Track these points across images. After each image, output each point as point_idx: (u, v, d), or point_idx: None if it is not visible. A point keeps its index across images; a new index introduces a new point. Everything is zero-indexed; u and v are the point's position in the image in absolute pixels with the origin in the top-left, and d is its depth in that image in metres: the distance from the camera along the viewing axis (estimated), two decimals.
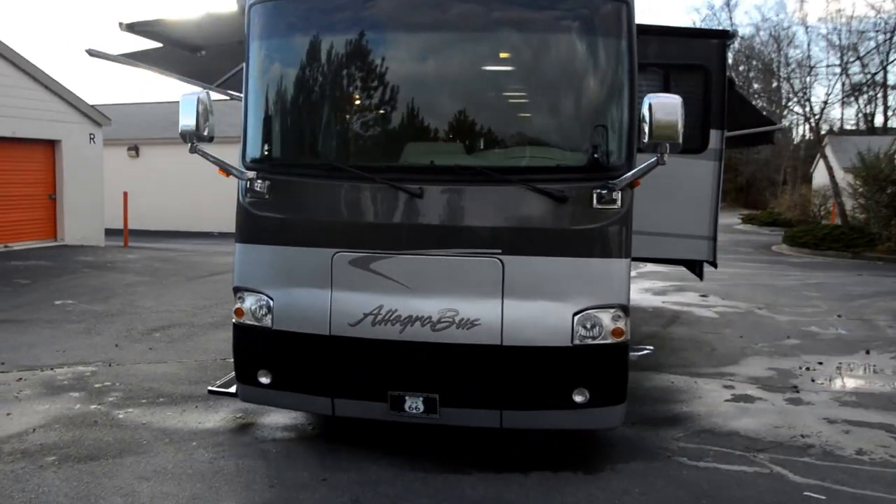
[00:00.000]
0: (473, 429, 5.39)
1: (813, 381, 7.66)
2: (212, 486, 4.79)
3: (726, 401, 6.92)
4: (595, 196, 4.93)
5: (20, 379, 7.11)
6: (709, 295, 13.26)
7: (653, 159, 4.66)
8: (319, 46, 5.28)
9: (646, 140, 4.56)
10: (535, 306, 4.94)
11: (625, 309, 5.00)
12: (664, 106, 4.50)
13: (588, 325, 4.92)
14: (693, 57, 6.91)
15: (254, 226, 5.35)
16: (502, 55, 5.26)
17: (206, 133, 4.91)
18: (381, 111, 5.22)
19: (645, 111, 4.51)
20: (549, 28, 5.18)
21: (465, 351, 4.93)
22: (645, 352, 6.09)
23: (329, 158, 5.30)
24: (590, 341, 4.92)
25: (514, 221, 5.03)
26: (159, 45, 7.17)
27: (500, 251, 4.96)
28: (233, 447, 5.45)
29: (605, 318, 4.95)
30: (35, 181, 18.74)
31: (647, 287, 14.36)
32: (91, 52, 7.86)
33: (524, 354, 4.91)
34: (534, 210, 5.01)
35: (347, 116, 5.35)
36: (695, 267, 8.42)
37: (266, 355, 5.31)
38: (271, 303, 5.21)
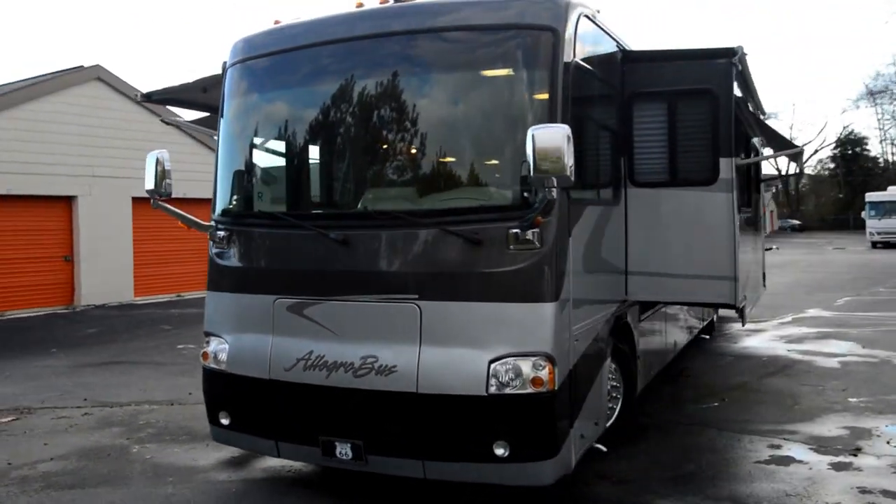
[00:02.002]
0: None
1: (888, 443, 6.61)
2: None
3: (756, 462, 6.17)
4: (509, 237, 4.77)
5: (86, 413, 8.06)
6: (861, 343, 11.77)
7: (549, 196, 4.45)
8: (264, 104, 5.71)
9: (532, 174, 4.36)
10: (451, 353, 4.83)
11: (550, 357, 4.74)
12: (547, 137, 4.30)
13: (505, 374, 4.72)
14: (699, 80, 6.40)
15: (216, 274, 5.77)
16: (425, 98, 5.26)
17: (163, 190, 5.46)
18: (313, 160, 5.48)
19: (528, 143, 4.33)
20: (470, 65, 5.16)
21: (383, 398, 4.93)
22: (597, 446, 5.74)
23: (268, 208, 5.60)
24: (507, 391, 4.71)
25: (430, 266, 4.99)
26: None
27: (416, 296, 4.94)
28: (200, 485, 5.81)
29: (525, 366, 4.73)
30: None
31: (786, 334, 13.04)
32: (165, 121, 8.86)
33: (440, 403, 4.81)
34: (450, 253, 4.94)
35: (283, 167, 5.63)
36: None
37: (224, 397, 5.65)
38: (227, 347, 5.56)
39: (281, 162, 5.65)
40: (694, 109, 6.40)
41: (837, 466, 6.04)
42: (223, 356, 5.57)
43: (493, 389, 4.71)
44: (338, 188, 5.47)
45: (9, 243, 14.78)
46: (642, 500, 5.43)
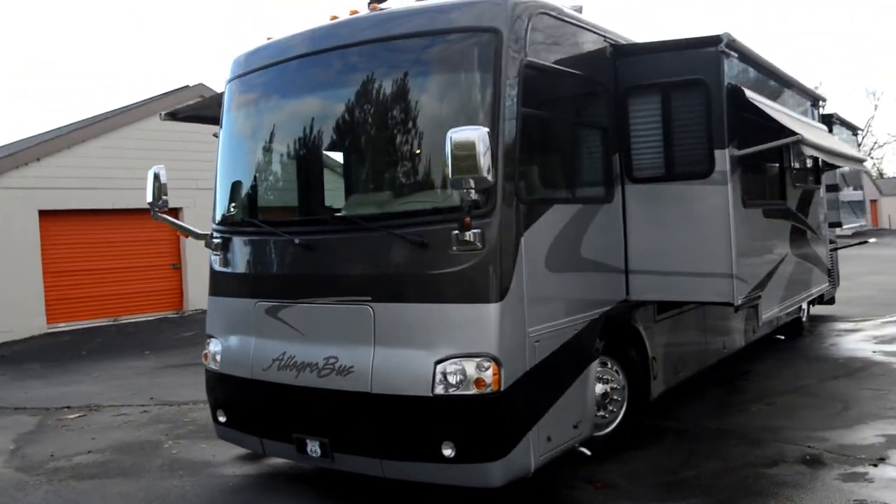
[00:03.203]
0: None
1: None
2: None
3: (762, 470, 5.88)
4: (452, 239, 4.87)
5: (144, 411, 8.82)
6: None
7: (468, 198, 4.53)
8: (246, 118, 6.13)
9: (450, 176, 4.46)
10: (401, 354, 5.00)
11: (495, 359, 4.80)
12: (463, 139, 4.38)
13: (450, 375, 4.83)
14: (690, 71, 6.17)
15: (214, 279, 6.22)
16: (378, 106, 5.41)
17: (161, 203, 5.99)
18: (282, 170, 5.81)
19: (446, 145, 4.43)
20: (418, 71, 5.31)
21: (343, 398, 5.16)
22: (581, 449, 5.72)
23: (249, 216, 5.95)
24: (452, 392, 4.82)
25: (382, 268, 5.18)
26: None
27: (370, 298, 5.14)
28: (204, 478, 6.27)
29: (469, 367, 4.82)
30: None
31: (881, 335, 12.13)
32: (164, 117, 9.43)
33: (391, 403, 4.98)
34: (399, 256, 5.10)
35: (260, 175, 5.96)
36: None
37: (219, 396, 6.09)
38: (220, 348, 6.00)
39: (259, 172, 6.01)
40: (686, 101, 6.23)
41: (848, 477, 5.66)
42: (218, 357, 6.01)
43: (438, 390, 4.83)
44: (302, 195, 5.77)
45: (123, 254, 16.19)
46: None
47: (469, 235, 4.81)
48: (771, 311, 7.10)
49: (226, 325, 6.03)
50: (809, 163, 9.12)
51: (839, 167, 9.60)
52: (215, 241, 6.10)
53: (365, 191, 5.53)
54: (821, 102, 9.94)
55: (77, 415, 8.82)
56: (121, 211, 15.63)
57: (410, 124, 5.29)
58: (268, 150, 6.00)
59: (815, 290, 9.00)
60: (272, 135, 5.95)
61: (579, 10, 6.32)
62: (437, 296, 4.96)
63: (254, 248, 5.88)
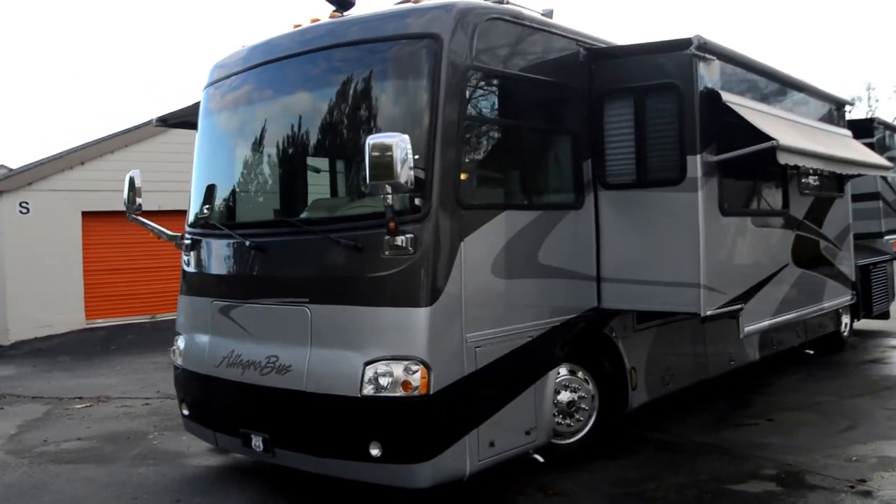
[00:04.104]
0: None
1: None
2: (107, 491, 5.97)
3: (726, 486, 5.73)
4: (384, 243, 4.96)
5: (146, 404, 9.21)
6: None
7: (386, 203, 4.61)
8: (214, 124, 6.39)
9: (368, 181, 4.55)
10: (334, 355, 5.12)
11: (423, 362, 4.86)
12: (380, 145, 4.47)
13: (378, 377, 4.92)
14: (663, 75, 6.07)
15: (182, 279, 6.49)
16: (325, 112, 5.58)
17: (135, 205, 6.30)
18: (238, 174, 6.04)
19: (366, 152, 4.52)
20: (362, 77, 5.42)
21: (281, 395, 5.32)
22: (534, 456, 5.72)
23: (210, 219, 6.16)
24: (379, 393, 4.90)
25: (319, 271, 5.33)
26: None
27: (308, 300, 5.29)
28: (171, 468, 6.55)
29: (398, 370, 4.89)
30: None
31: None
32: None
33: (323, 402, 5.11)
34: (336, 260, 5.23)
35: (223, 180, 6.18)
36: None
37: (182, 390, 6.36)
38: (184, 345, 6.26)
39: (222, 177, 6.22)
40: (659, 105, 6.14)
41: (817, 497, 5.46)
42: (181, 353, 6.27)
43: (366, 391, 4.92)
44: (255, 199, 5.97)
45: (160, 253, 16.74)
46: None
47: (400, 240, 4.89)
48: (757, 324, 6.85)
49: (189, 323, 6.28)
50: (830, 171, 8.77)
51: (856, 175, 9.18)
52: (184, 242, 6.36)
53: (311, 195, 5.69)
54: (847, 107, 9.58)
55: (84, 405, 9.28)
56: (159, 212, 16.23)
57: (354, 130, 5.42)
58: (229, 155, 6.26)
59: (830, 305, 8.64)
60: (233, 140, 6.22)
61: (549, 14, 6.32)
62: (369, 299, 5.06)
63: (213, 250, 6.11)
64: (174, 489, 6.01)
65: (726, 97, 6.12)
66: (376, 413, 4.93)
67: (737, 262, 6.55)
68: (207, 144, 6.42)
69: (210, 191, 6.18)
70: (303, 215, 5.71)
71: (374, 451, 4.93)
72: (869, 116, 12.90)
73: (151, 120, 8.09)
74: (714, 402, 8.43)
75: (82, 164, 15.29)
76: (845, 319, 12.25)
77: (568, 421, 6.23)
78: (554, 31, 6.09)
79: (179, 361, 6.29)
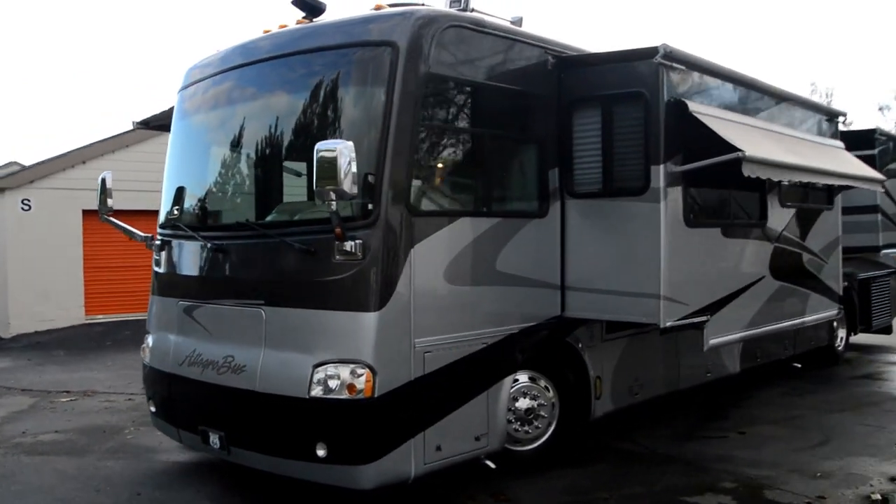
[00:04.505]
0: None
1: (872, 493, 5.83)
2: (73, 482, 6.16)
3: (686, 494, 5.79)
4: (335, 248, 5.08)
5: (129, 399, 9.43)
6: None
7: (331, 209, 4.74)
8: (183, 128, 6.54)
9: (315, 188, 4.68)
10: (285, 356, 5.26)
11: (369, 366, 4.98)
12: (325, 151, 4.60)
13: (325, 379, 5.05)
14: (630, 84, 6.14)
15: (153, 279, 6.66)
16: (285, 117, 5.74)
17: (107, 206, 6.49)
18: (206, 176, 6.20)
19: (314, 158, 4.66)
20: (322, 84, 5.55)
21: (235, 394, 5.47)
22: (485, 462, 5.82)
23: (178, 220, 6.30)
24: (326, 395, 5.03)
25: (274, 274, 5.48)
26: None
27: (262, 302, 5.43)
28: (138, 462, 6.75)
29: (344, 373, 5.02)
30: None
31: None
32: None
33: (273, 402, 5.25)
34: (290, 263, 5.38)
35: (190, 182, 6.31)
36: None
37: (149, 387, 6.53)
38: (152, 343, 6.43)
39: (189, 179, 6.37)
40: (626, 114, 6.22)
41: None
42: (149, 351, 6.45)
43: (314, 393, 5.05)
44: (219, 202, 6.12)
45: None
46: None
47: (349, 245, 5.02)
48: (723, 337, 6.89)
49: (157, 322, 6.47)
50: (835, 184, 8.76)
51: (844, 187, 9.17)
52: (155, 243, 6.53)
53: (270, 199, 5.84)
54: (840, 118, 9.55)
55: (70, 399, 9.52)
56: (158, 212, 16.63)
57: (311, 135, 5.53)
58: (196, 158, 6.44)
59: (813, 319, 8.64)
60: (200, 144, 6.42)
61: (519, 22, 6.42)
62: (320, 302, 5.19)
63: (180, 252, 6.28)
64: (137, 482, 6.19)
65: (693, 107, 6.18)
66: (322, 414, 5.06)
67: (702, 273, 6.59)
68: (177, 147, 6.59)
69: (178, 193, 6.33)
70: (269, 219, 5.85)
71: (321, 452, 5.06)
72: (871, 128, 12.74)
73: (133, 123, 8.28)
74: (690, 413, 8.48)
75: (83, 163, 15.61)
76: (841, 333, 12.19)
77: (526, 428, 6.32)
78: (520, 39, 6.17)
79: (147, 359, 6.47)
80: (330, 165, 4.57)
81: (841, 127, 10.03)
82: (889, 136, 12.66)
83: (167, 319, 6.27)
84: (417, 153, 5.30)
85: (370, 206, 5.09)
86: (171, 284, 6.34)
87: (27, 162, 21.14)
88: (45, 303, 14.97)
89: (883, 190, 11.77)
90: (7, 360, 12.83)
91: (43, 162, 16.16)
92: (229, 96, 6.06)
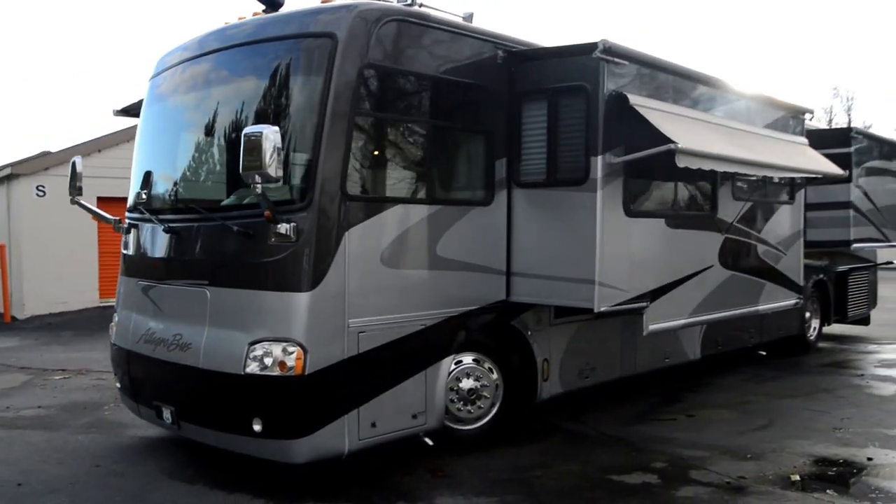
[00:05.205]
0: None
1: (791, 476, 5.80)
2: (39, 455, 6.32)
3: (616, 473, 5.81)
4: (271, 230, 5.15)
5: None
6: None
7: (256, 192, 4.80)
8: (149, 115, 6.63)
9: (241, 171, 4.75)
10: (226, 334, 5.36)
11: (300, 344, 5.05)
12: (251, 136, 4.67)
13: (259, 356, 5.14)
14: (574, 77, 6.13)
15: (121, 261, 6.78)
16: (233, 105, 5.81)
17: (77, 190, 6.61)
18: (165, 161, 6.30)
19: (241, 143, 4.72)
20: (266, 74, 5.63)
21: (181, 370, 5.58)
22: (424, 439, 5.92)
23: (138, 203, 6.39)
24: (259, 371, 5.12)
25: (218, 256, 5.58)
26: None
27: (207, 282, 5.52)
28: (111, 437, 6.87)
29: (277, 350, 5.10)
30: None
31: (891, 358, 11.36)
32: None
33: (214, 378, 5.35)
34: (232, 245, 5.47)
35: (153, 166, 6.37)
36: None
37: (113, 364, 6.65)
38: (116, 321, 6.56)
39: (153, 163, 6.45)
40: (569, 107, 6.23)
41: (690, 489, 5.51)
42: (114, 329, 6.57)
43: (249, 369, 5.15)
44: (174, 185, 6.20)
45: None
46: (433, 494, 5.45)
47: (283, 228, 5.09)
48: (665, 323, 6.85)
49: (122, 301, 6.60)
50: (777, 177, 8.69)
51: (804, 183, 9.05)
52: (121, 226, 6.64)
53: (217, 183, 5.91)
54: (807, 115, 9.43)
55: (63, 377, 9.71)
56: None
57: (259, 122, 5.56)
58: (158, 144, 6.53)
59: (767, 307, 8.55)
60: (161, 130, 6.51)
61: (469, 17, 6.42)
62: (256, 283, 5.28)
63: (142, 234, 6.39)
64: (100, 455, 6.32)
65: (634, 100, 6.16)
66: (257, 390, 5.14)
67: (642, 261, 6.57)
68: (143, 133, 6.69)
69: (142, 177, 6.41)
70: (226, 202, 5.89)
71: (256, 427, 5.15)
72: (847, 126, 12.57)
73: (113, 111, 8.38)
74: (646, 396, 8.47)
75: (99, 151, 15.83)
76: (814, 323, 12.10)
77: (469, 408, 6.36)
78: (466, 33, 6.19)
79: (113, 337, 6.59)
80: (255, 149, 4.64)
81: (819, 126, 9.92)
82: (865, 135, 12.47)
83: (130, 299, 6.40)
84: (355, 140, 5.35)
85: (305, 191, 5.15)
86: (133, 265, 6.46)
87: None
88: (59, 286, 15.25)
89: (859, 186, 11.75)
90: (16, 339, 13.11)
91: (59, 151, 16.44)
92: (186, 85, 6.16)
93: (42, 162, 15.98)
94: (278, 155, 4.70)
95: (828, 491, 5.46)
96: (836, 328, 13.31)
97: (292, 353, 5.05)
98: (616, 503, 5.29)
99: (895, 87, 61.49)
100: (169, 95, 6.38)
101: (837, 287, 12.50)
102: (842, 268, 12.50)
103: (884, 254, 13.94)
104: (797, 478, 5.70)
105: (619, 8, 65.98)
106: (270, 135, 4.66)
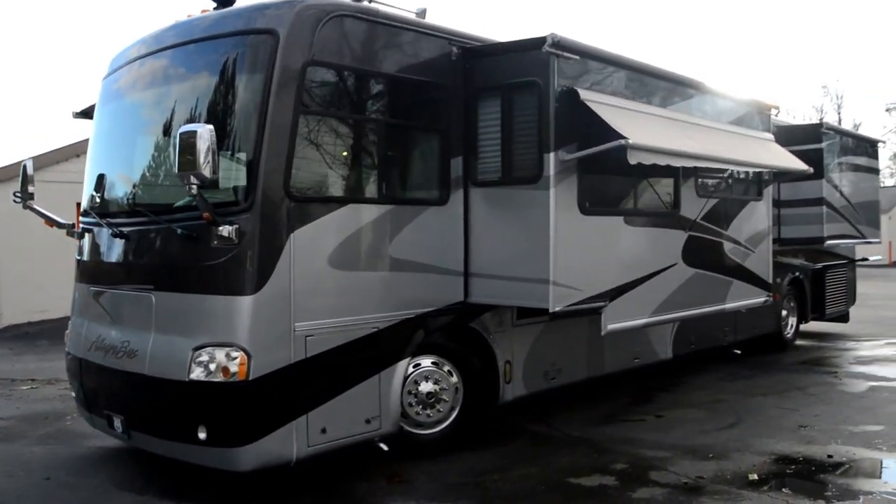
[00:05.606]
0: None
1: (731, 478, 5.66)
2: None
3: (573, 475, 5.67)
4: (213, 233, 5.01)
5: None
6: None
7: (191, 192, 4.67)
8: (99, 116, 6.46)
9: (176, 171, 4.62)
10: (170, 340, 5.20)
11: (244, 349, 4.90)
12: (185, 136, 4.54)
13: (203, 362, 4.99)
14: (526, 73, 6.00)
15: (76, 266, 6.61)
16: (177, 105, 5.62)
17: (27, 194, 6.46)
18: (114, 163, 6.15)
19: (175, 142, 4.60)
20: (208, 72, 5.50)
21: (129, 378, 5.42)
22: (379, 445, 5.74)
23: (90, 207, 6.22)
24: (204, 378, 4.97)
25: (162, 259, 5.43)
26: None
27: (152, 287, 5.37)
28: (67, 447, 6.69)
29: (220, 355, 4.96)
30: None
31: (871, 355, 11.29)
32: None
33: (159, 386, 5.19)
34: (175, 249, 5.33)
35: (103, 169, 6.19)
36: None
37: (68, 372, 6.49)
38: (70, 329, 6.40)
39: (102, 166, 6.28)
40: (522, 103, 6.11)
41: (648, 490, 5.37)
42: (68, 337, 6.41)
43: (193, 375, 5.00)
44: (121, 188, 6.04)
45: None
46: (386, 500, 5.31)
47: (226, 230, 4.95)
48: (624, 322, 6.71)
49: (76, 308, 6.42)
50: (741, 173, 8.58)
51: (774, 179, 8.94)
52: (75, 231, 6.49)
53: (161, 185, 5.76)
54: (773, 111, 9.32)
55: (31, 387, 9.55)
56: None
57: (203, 121, 5.42)
58: (108, 146, 6.37)
59: (735, 306, 8.42)
60: (110, 132, 6.34)
61: (423, 13, 6.30)
62: (200, 286, 5.14)
63: (94, 238, 6.22)
64: (53, 467, 6.13)
65: (584, 95, 6.02)
66: (201, 397, 5.00)
67: (600, 260, 6.43)
68: (95, 135, 6.54)
69: (93, 180, 6.25)
70: (180, 204, 5.71)
71: (201, 435, 5.00)
72: (817, 122, 12.49)
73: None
74: (618, 396, 8.36)
75: (77, 156, 15.58)
76: (791, 321, 11.99)
77: (428, 412, 6.22)
78: (419, 29, 6.06)
79: (67, 346, 6.44)
80: (189, 150, 4.50)
81: (791, 121, 9.78)
82: (836, 130, 12.39)
83: (82, 305, 6.25)
84: (300, 140, 5.21)
85: (247, 192, 5.02)
86: (85, 271, 6.31)
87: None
88: (39, 294, 15.01)
89: (831, 182, 11.65)
90: None
91: (37, 156, 16.20)
92: (135, 84, 6.01)
93: (20, 168, 15.76)
94: (213, 155, 4.56)
95: (783, 489, 5.34)
96: (816, 326, 13.23)
97: (235, 358, 4.90)
98: None
99: (883, 86, 61.60)
100: (119, 96, 6.23)
101: (814, 284, 12.41)
102: (818, 265, 12.41)
103: (860, 250, 13.85)
104: (755, 477, 5.57)
105: (600, 4, 65.92)
106: (204, 134, 4.52)
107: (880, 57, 63.70)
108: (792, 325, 11.98)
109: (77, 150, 15.72)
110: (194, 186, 4.62)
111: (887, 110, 43.29)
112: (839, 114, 51.39)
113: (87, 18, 60.03)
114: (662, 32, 61.56)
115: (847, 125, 45.39)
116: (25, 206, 6.52)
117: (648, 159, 6.05)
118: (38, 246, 14.94)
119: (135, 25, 58.22)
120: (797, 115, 47.36)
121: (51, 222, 6.60)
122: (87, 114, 7.93)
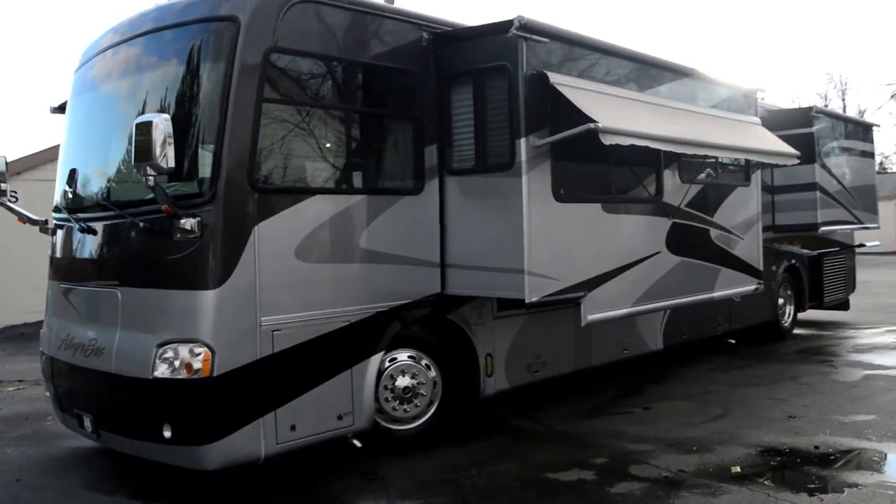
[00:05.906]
0: None
1: (731, 468, 5.48)
2: None
3: (552, 470, 5.52)
4: (175, 226, 4.87)
5: None
6: None
7: (148, 184, 4.53)
8: (70, 110, 6.33)
9: (133, 162, 4.49)
10: (135, 337, 5.07)
11: (207, 345, 4.76)
12: (142, 125, 4.41)
13: (167, 359, 4.85)
14: (496, 57, 5.81)
15: (49, 264, 6.49)
16: (141, 95, 5.47)
17: (1, 191, 6.33)
18: (81, 158, 6.02)
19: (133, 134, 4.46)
20: (170, 61, 5.36)
21: (97, 377, 5.29)
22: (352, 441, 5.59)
23: (61, 202, 6.09)
24: (167, 375, 4.84)
25: (127, 254, 5.29)
26: None
27: (118, 283, 5.24)
28: (43, 447, 6.58)
29: (184, 351, 4.82)
30: None
31: (870, 343, 11.08)
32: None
33: (125, 383, 5.06)
34: (139, 243, 5.19)
35: (72, 164, 6.04)
36: None
37: (43, 373, 6.37)
38: (44, 327, 6.28)
39: (72, 161, 6.14)
40: (493, 89, 5.94)
41: (625, 486, 5.21)
42: (41, 336, 6.30)
43: (157, 373, 4.86)
44: (89, 182, 5.90)
45: None
46: (357, 498, 5.16)
47: (188, 223, 4.81)
48: (605, 313, 6.51)
49: (48, 306, 6.31)
50: (727, 158, 8.36)
51: (758, 163, 8.71)
52: (48, 227, 6.37)
53: (124, 178, 5.60)
54: (759, 94, 9.10)
55: (17, 388, 9.44)
56: None
57: (163, 112, 5.27)
58: (77, 140, 6.23)
59: (724, 294, 8.21)
60: (80, 125, 6.19)
61: None
62: (164, 281, 5.00)
63: (64, 234, 6.10)
64: (25, 468, 6.02)
65: (554, 79, 5.84)
66: (165, 394, 4.86)
67: (577, 249, 6.24)
68: (66, 128, 6.40)
69: (64, 175, 6.13)
70: (116, 199, 5.52)
71: (167, 433, 4.87)
72: (808, 106, 12.28)
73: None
74: (607, 389, 8.19)
75: (53, 160, 15.53)
76: (788, 309, 11.78)
77: (406, 407, 6.07)
78: (386, 15, 5.90)
79: (41, 345, 6.32)
80: (146, 139, 4.36)
81: (781, 105, 9.55)
82: (827, 114, 12.15)
83: (53, 303, 6.14)
84: (263, 129, 5.05)
85: (210, 183, 4.87)
86: (56, 268, 6.20)
87: None
88: (34, 295, 14.90)
89: (824, 167, 11.41)
90: None
91: (30, 155, 16.12)
92: (102, 76, 5.87)
93: (13, 167, 15.66)
94: (169, 145, 4.42)
95: (765, 482, 5.17)
96: (816, 314, 13.02)
97: (199, 354, 4.76)
98: (544, 503, 5.00)
99: (889, 74, 61.08)
100: (88, 87, 6.08)
101: (811, 272, 12.18)
102: (815, 252, 12.18)
103: (859, 236, 13.61)
104: (738, 470, 5.39)
105: None
106: (160, 124, 4.38)
107: (885, 44, 63.12)
108: (789, 314, 11.77)
109: (55, 155, 15.64)
110: (151, 178, 4.47)
111: (893, 97, 42.98)
112: (843, 101, 50.98)
113: (87, 18, 60.20)
114: (665, 22, 61.14)
115: (852, 112, 45.00)
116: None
117: (625, 141, 5.86)
118: (33, 248, 14.84)
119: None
120: (802, 102, 46.98)
121: (24, 219, 6.48)
122: (63, 109, 7.82)
